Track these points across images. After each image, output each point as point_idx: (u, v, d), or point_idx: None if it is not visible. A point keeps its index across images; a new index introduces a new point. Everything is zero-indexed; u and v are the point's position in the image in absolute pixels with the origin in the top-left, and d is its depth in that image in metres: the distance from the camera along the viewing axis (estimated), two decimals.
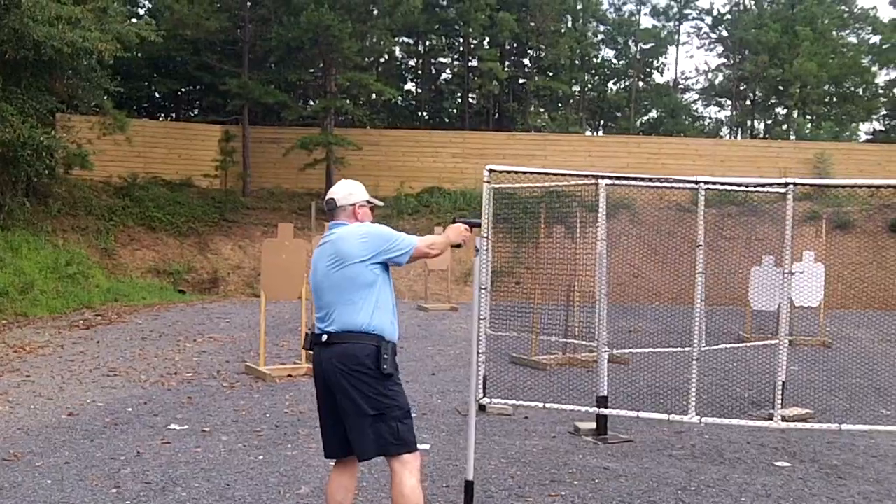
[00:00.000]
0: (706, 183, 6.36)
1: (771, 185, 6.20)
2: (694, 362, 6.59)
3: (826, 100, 33.63)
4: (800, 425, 7.01)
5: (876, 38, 34.87)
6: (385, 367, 4.12)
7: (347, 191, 4.45)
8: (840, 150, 27.06)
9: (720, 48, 36.62)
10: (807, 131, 31.06)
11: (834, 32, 34.53)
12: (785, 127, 34.51)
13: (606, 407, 7.25)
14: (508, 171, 5.48)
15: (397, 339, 4.36)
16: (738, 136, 35.59)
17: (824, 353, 13.11)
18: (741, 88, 35.23)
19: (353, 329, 4.16)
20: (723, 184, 7.15)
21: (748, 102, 35.99)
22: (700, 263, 6.47)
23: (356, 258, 4.19)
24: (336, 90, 24.48)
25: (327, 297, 4.26)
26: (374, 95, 27.84)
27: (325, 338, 4.22)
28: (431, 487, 5.87)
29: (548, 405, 6.88)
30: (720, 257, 17.04)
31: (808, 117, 33.14)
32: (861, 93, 34.44)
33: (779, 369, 6.30)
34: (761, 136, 34.81)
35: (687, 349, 10.90)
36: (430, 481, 5.98)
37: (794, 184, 5.35)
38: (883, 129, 36.16)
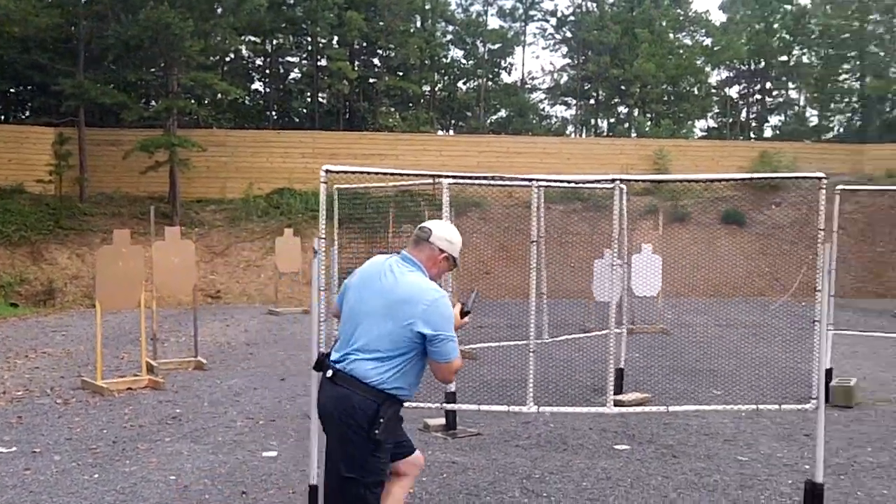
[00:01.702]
0: (539, 181, 6.50)
1: (599, 181, 6.41)
2: (531, 354, 6.74)
3: (664, 99, 35.06)
4: (634, 409, 7.29)
5: (708, 41, 36.75)
6: (377, 431, 3.76)
7: (447, 236, 4.06)
8: (677, 146, 28.27)
9: (565, 49, 37.64)
10: (647, 129, 32.29)
11: (671, 34, 36.09)
12: (627, 125, 35.83)
13: (455, 402, 7.32)
14: (345, 172, 5.44)
15: (408, 401, 4.01)
16: (584, 135, 36.70)
17: (662, 339, 13.71)
18: (585, 88, 36.34)
19: (364, 380, 3.80)
20: (555, 181, 7.33)
21: (592, 102, 37.15)
22: (535, 259, 6.61)
23: (407, 320, 3.78)
24: (179, 90, 23.68)
25: (358, 336, 3.88)
26: (219, 95, 27.16)
27: (330, 373, 3.90)
28: (278, 494, 5.78)
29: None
30: (567, 252, 17.54)
31: (648, 116, 34.48)
32: (696, 92, 36.17)
33: (610, 357, 6.51)
34: (605, 134, 36.00)
35: (531, 342, 11.21)
36: (277, 488, 5.90)
37: (621, 180, 5.55)
38: (716, 126, 38.15)
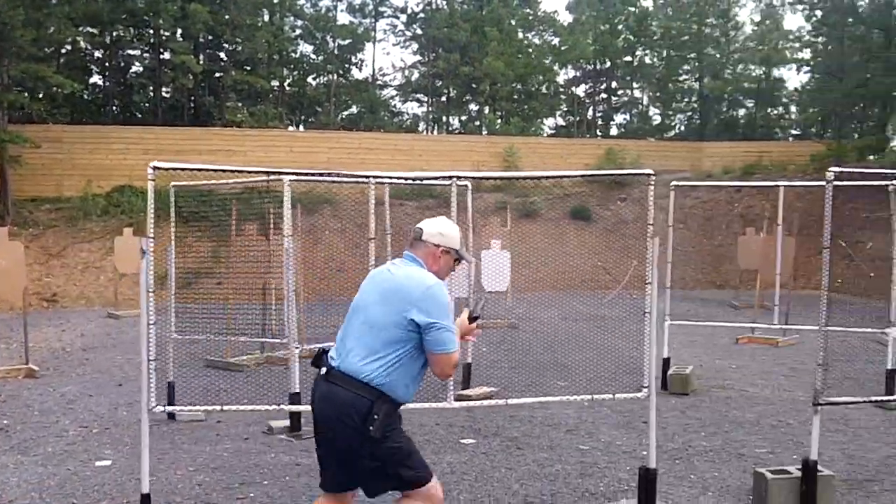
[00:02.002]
0: (375, 178, 6.44)
1: (437, 178, 6.42)
2: None
3: (514, 97, 35.73)
4: (475, 403, 7.33)
5: (556, 40, 37.70)
6: (371, 428, 3.64)
7: (440, 230, 4.01)
8: (527, 144, 28.84)
9: (415, 46, 37.75)
10: (497, 126, 32.82)
11: (519, 33, 36.81)
12: (478, 123, 36.29)
13: (300, 403, 7.18)
14: (174, 169, 5.20)
15: (406, 401, 3.88)
16: (436, 132, 36.95)
17: (511, 333, 13.93)
18: (437, 85, 36.57)
19: (356, 376, 3.71)
20: (391, 178, 7.29)
21: (443, 99, 37.44)
22: (373, 256, 6.55)
23: (400, 310, 3.73)
24: (9, 82, 22.34)
25: (354, 332, 3.84)
26: (54, 89, 25.77)
27: (324, 370, 3.83)
28: None
29: (239, 407, 6.67)
30: None
31: (498, 113, 35.07)
32: (544, 90, 37.04)
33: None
34: (457, 131, 36.34)
35: None
36: (109, 499, 5.62)
37: (458, 177, 5.56)
38: (564, 124, 39.21)
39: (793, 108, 37.27)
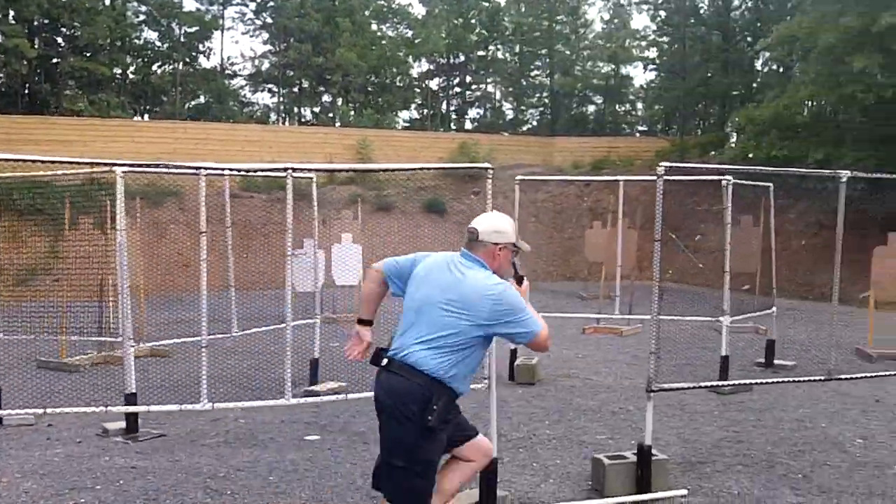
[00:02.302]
0: (206, 169, 6.23)
1: (273, 170, 6.26)
2: (203, 350, 6.50)
3: (367, 89, 35.58)
4: (311, 399, 7.23)
5: (410, 33, 37.74)
6: (430, 418, 3.75)
7: (494, 227, 4.02)
8: (380, 136, 28.75)
9: (265, 35, 36.97)
10: (350, 118, 32.57)
11: (373, 25, 36.64)
12: (331, 114, 35.95)
13: (136, 404, 6.87)
14: None
15: (464, 394, 3.98)
16: (287, 123, 36.36)
17: None
18: (288, 75, 35.97)
19: (421, 369, 3.81)
20: (225, 169, 7.08)
21: (295, 90, 36.88)
22: (203, 251, 6.33)
23: (475, 319, 3.81)
24: None
25: (419, 327, 3.89)
26: None
27: (385, 362, 3.92)
28: None
29: (68, 409, 6.31)
30: (269, 242, 17.22)
31: (352, 105, 34.81)
32: (398, 83, 37.05)
33: (287, 348, 6.41)
34: (310, 122, 35.87)
35: (227, 336, 10.85)
36: None
37: (294, 169, 5.43)
38: (418, 117, 39.35)
39: (639, 105, 38.71)
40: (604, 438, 6.97)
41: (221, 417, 7.63)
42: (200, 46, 34.91)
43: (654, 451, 5.46)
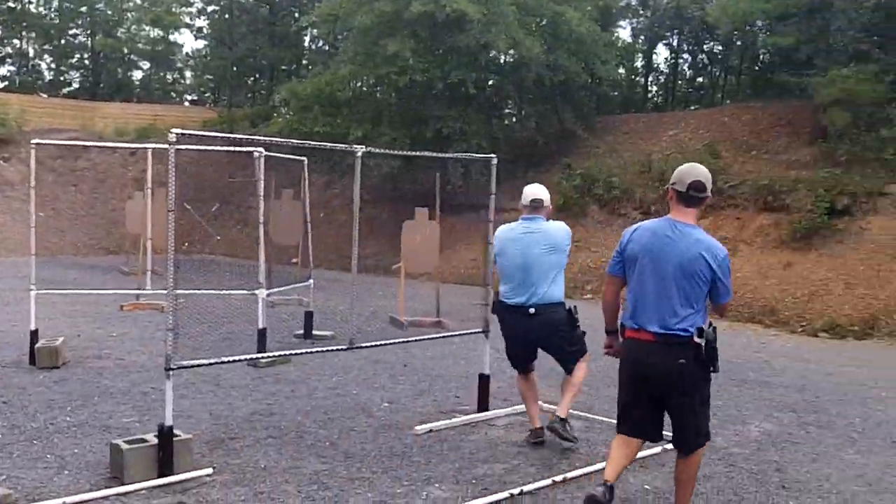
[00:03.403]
0: None
1: None
2: None
3: None
4: None
5: None
6: (578, 323, 5.97)
7: (547, 195, 6.11)
8: None
9: None
10: None
11: None
12: None
13: None
14: None
15: None
16: None
17: None
18: None
19: (553, 301, 5.88)
20: None
21: None
22: None
23: (563, 248, 5.97)
24: None
25: (535, 275, 5.84)
26: None
27: (532, 311, 5.83)
28: None
29: None
30: None
31: None
32: None
33: None
34: None
35: None
36: None
37: None
38: None
39: (188, 74, 37.75)
40: (131, 422, 6.58)
41: None
42: None
43: (177, 431, 5.24)
